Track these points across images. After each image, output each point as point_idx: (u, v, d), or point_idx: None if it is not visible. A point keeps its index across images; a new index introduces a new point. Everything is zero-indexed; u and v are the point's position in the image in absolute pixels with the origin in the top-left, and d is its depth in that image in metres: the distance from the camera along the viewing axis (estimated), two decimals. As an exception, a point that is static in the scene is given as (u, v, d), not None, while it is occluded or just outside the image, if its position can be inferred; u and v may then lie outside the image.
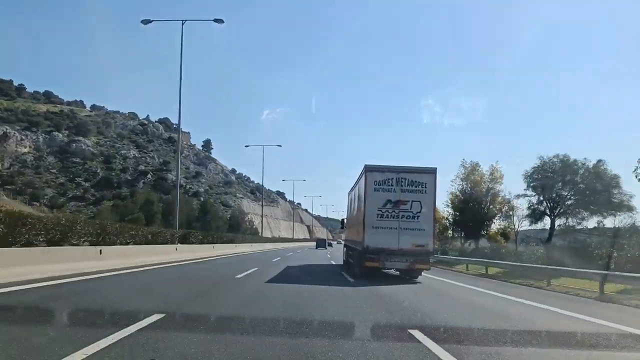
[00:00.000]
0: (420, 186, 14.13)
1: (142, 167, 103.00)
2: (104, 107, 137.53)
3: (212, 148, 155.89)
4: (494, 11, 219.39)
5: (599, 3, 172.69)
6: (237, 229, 73.24)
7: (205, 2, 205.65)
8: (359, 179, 16.45)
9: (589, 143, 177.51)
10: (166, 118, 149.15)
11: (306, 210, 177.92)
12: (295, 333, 5.62)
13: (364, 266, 14.40)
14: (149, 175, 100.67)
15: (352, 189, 19.57)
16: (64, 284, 9.42)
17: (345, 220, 23.48)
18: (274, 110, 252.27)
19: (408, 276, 15.21)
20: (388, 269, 15.00)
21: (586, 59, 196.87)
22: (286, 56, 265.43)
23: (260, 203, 65.17)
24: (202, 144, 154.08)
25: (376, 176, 14.33)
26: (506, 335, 6.02)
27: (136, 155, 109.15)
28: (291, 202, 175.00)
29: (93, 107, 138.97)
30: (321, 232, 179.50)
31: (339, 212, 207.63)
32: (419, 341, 5.29)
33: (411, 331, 5.82)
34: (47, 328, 5.25)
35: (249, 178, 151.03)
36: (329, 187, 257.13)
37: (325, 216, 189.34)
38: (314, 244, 75.93)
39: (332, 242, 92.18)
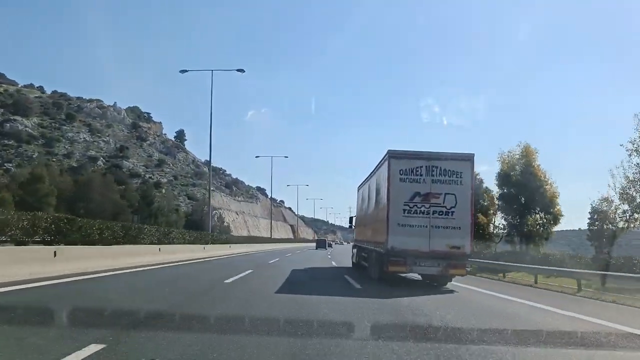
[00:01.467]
0: (455, 176, 12.14)
1: (92, 153, 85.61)
2: (66, 93, 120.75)
3: (185, 139, 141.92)
4: (492, 10, 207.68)
5: (598, 3, 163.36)
6: (200, 225, 56.66)
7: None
8: (377, 168, 14.36)
9: (587, 142, 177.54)
10: (135, 107, 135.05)
11: (290, 208, 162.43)
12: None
13: (386, 271, 12.52)
14: (99, 162, 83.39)
15: (365, 182, 17.56)
16: None
17: (354, 219, 21.15)
18: (259, 111, 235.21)
19: (435, 282, 13.29)
20: (412, 273, 13.67)
21: (585, 57, 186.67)
22: (279, 56, 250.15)
23: (208, 182, 47.94)
24: (175, 134, 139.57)
25: (402, 164, 12.29)
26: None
27: (87, 139, 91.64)
28: (274, 200, 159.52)
29: (54, 92, 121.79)
30: (306, 233, 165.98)
31: (328, 208, 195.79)
32: None
33: None
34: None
35: (224, 171, 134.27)
36: (321, 188, 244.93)
37: (311, 217, 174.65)
38: (299, 245, 68.31)
39: (331, 242, 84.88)
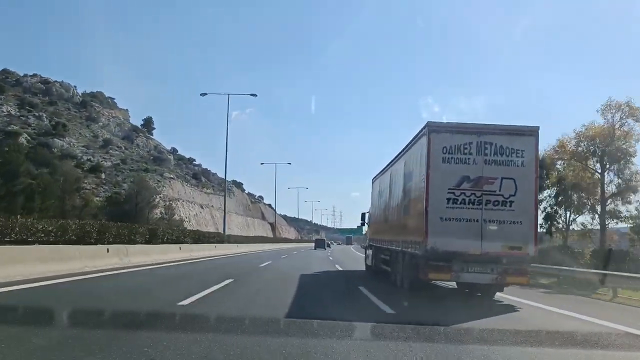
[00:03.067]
0: (514, 155, 9.43)
1: (12, 127, 67.34)
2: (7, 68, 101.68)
3: (153, 128, 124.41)
4: (491, 10, 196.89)
5: (595, 3, 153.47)
6: (133, 215, 39.23)
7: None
8: (408, 148, 11.38)
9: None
10: (99, 92, 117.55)
11: (269, 205, 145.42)
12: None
13: (423, 278, 9.73)
14: (22, 139, 65.19)
15: (385, 170, 14.87)
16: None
17: (368, 215, 18.79)
18: (244, 111, 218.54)
19: (479, 293, 10.59)
20: (458, 282, 10.78)
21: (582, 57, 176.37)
22: (278, 55, 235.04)
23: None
24: (142, 122, 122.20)
25: (445, 139, 9.46)
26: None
27: (12, 113, 73.25)
28: (251, 195, 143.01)
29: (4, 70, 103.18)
30: (288, 232, 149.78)
31: (315, 201, 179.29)
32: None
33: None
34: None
35: (194, 160, 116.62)
36: (307, 185, 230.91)
37: (293, 215, 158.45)
38: (282, 246, 63.97)
39: (330, 243, 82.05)
